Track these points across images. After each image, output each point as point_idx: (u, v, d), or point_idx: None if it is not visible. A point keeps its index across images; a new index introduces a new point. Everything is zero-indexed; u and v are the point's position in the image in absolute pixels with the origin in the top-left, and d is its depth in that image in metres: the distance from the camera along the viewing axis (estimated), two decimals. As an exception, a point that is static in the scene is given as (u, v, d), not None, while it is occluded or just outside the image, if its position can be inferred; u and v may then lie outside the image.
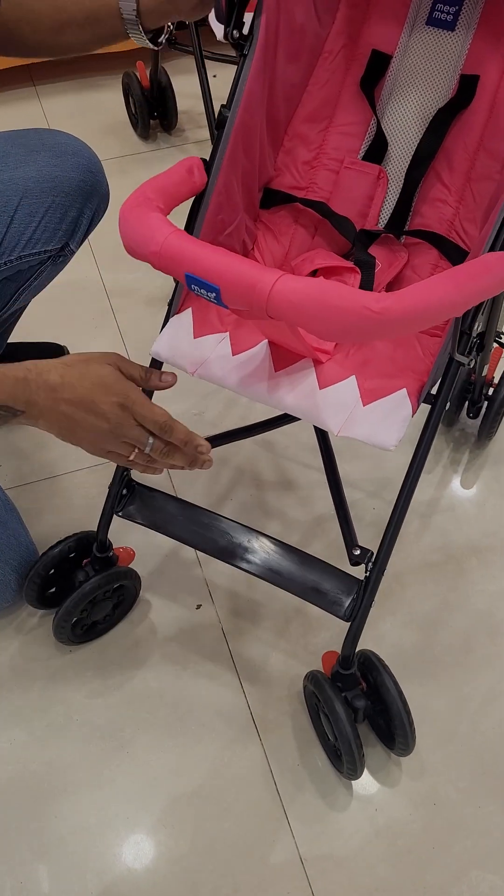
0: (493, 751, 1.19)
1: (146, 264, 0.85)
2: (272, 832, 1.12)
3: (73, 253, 1.26)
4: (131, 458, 0.94)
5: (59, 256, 1.25)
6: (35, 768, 1.17)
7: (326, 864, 1.10)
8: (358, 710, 1.09)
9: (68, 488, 1.48)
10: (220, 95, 1.71)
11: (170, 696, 1.24)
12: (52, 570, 1.24)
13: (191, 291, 0.82)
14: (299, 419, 1.03)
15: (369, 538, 1.04)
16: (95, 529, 1.21)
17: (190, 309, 1.10)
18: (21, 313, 1.44)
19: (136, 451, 0.93)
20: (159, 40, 1.08)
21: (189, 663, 1.27)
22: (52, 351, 1.63)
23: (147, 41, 1.05)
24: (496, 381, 1.46)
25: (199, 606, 1.33)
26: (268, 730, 1.21)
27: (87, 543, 1.24)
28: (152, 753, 1.18)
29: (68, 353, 1.62)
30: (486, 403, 1.48)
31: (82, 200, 1.21)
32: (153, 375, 0.97)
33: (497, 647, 1.30)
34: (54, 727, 1.21)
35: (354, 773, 1.10)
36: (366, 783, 1.16)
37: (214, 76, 1.85)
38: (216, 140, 1.04)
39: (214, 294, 0.79)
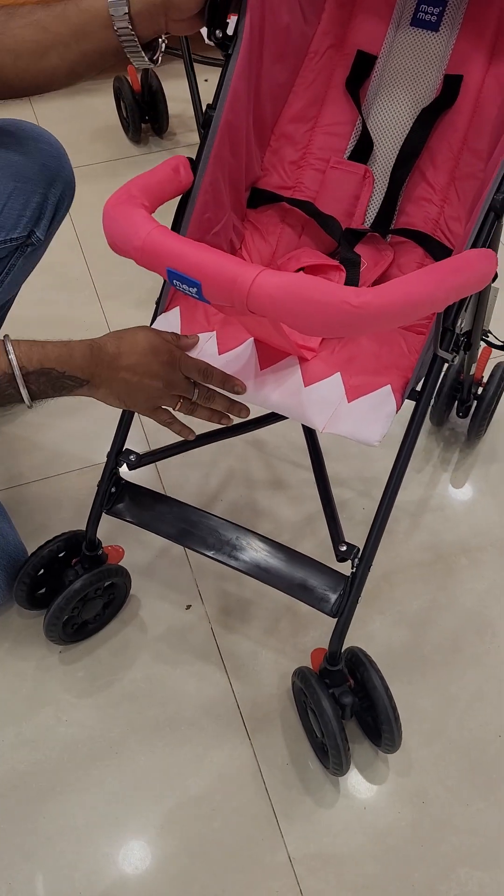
0: (481, 749, 1.19)
1: (137, 266, 0.86)
2: (261, 831, 1.12)
3: (40, 242, 1.24)
4: (177, 407, 1.02)
5: (27, 246, 1.23)
6: (23, 769, 1.16)
7: (315, 862, 1.09)
8: (345, 707, 1.09)
9: (58, 490, 1.48)
10: (209, 99, 1.72)
11: (159, 696, 1.24)
12: (42, 571, 1.24)
13: (176, 289, 0.82)
14: (286, 417, 1.03)
15: (359, 536, 1.04)
16: (78, 529, 1.21)
17: (177, 308, 1.10)
18: (5, 315, 1.44)
19: (181, 400, 1.02)
20: (155, 57, 1.04)
21: (178, 663, 1.27)
22: None
23: (140, 50, 1.01)
24: (485, 380, 1.47)
25: (188, 607, 1.33)
26: (257, 729, 1.21)
27: (77, 543, 1.24)
28: (141, 754, 1.18)
29: None
30: (475, 403, 1.49)
31: (45, 185, 1.20)
32: (181, 339, 1.05)
33: (485, 646, 1.30)
34: (43, 728, 1.20)
35: (340, 770, 1.10)
36: (355, 782, 1.16)
37: (206, 80, 1.86)
38: (202, 139, 1.04)
39: (196, 289, 0.79)
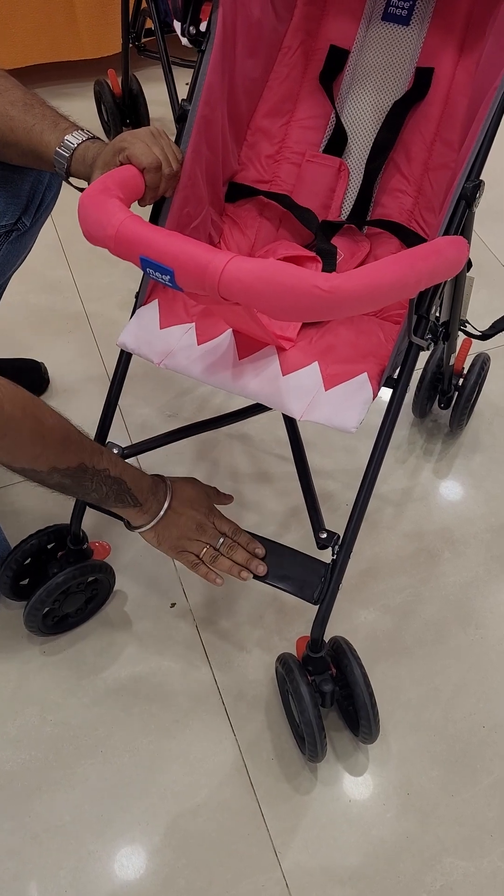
0: (465, 740, 1.19)
1: (120, 268, 0.86)
2: (246, 825, 1.12)
3: (26, 227, 1.24)
4: (202, 553, 1.12)
5: (13, 232, 1.23)
6: (9, 768, 1.16)
7: (301, 855, 1.09)
8: (325, 694, 1.09)
9: (40, 491, 1.47)
10: (189, 101, 1.72)
11: (143, 693, 1.23)
12: (28, 560, 1.24)
13: (152, 279, 0.82)
14: (268, 409, 1.03)
15: (343, 529, 1.04)
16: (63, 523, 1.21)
17: (156, 300, 1.10)
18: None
19: (207, 548, 1.12)
20: None
21: (163, 659, 1.27)
22: (30, 368, 1.63)
23: (79, 189, 1.04)
24: (465, 371, 1.47)
25: (173, 605, 1.33)
26: (242, 724, 1.20)
27: (65, 536, 1.23)
28: (126, 751, 1.18)
29: (45, 369, 1.63)
30: (456, 394, 1.49)
31: (34, 174, 1.20)
32: (220, 496, 1.20)
33: (468, 637, 1.30)
34: (28, 727, 1.20)
35: (316, 756, 1.10)
36: (339, 775, 1.16)
37: (186, 84, 1.86)
38: (178, 134, 1.05)
39: (169, 276, 0.79)
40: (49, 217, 1.30)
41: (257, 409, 1.26)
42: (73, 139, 1.02)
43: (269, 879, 1.07)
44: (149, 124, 2.22)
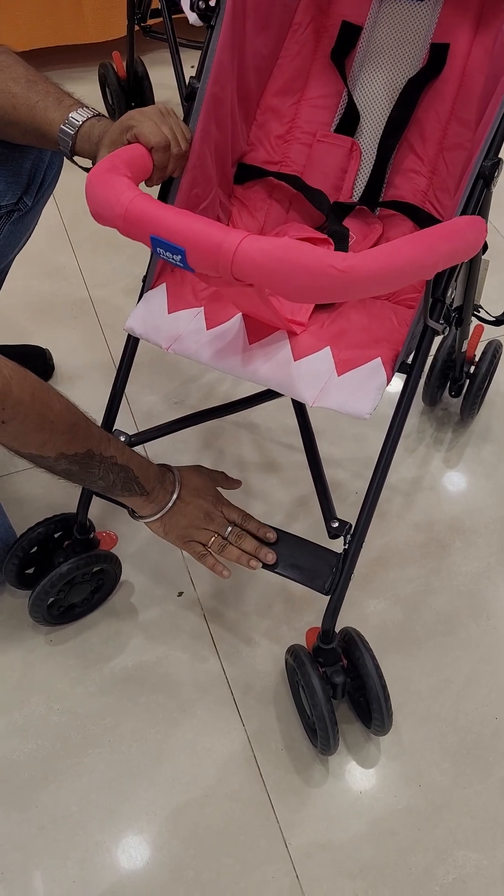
0: (476, 731, 1.18)
1: (126, 253, 0.84)
2: (255, 817, 1.10)
3: (27, 207, 1.22)
4: (210, 542, 1.10)
5: (14, 212, 1.20)
6: (16, 758, 1.15)
7: (311, 847, 1.08)
8: (336, 686, 1.07)
9: (44, 478, 1.45)
10: (197, 84, 1.70)
11: (151, 683, 1.22)
12: (35, 549, 1.22)
13: (161, 259, 0.80)
14: (278, 396, 1.01)
15: (353, 519, 1.03)
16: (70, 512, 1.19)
17: (164, 284, 1.08)
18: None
19: (215, 537, 1.10)
20: None
21: (171, 649, 1.25)
22: (35, 355, 1.61)
23: (84, 168, 1.03)
24: (477, 358, 1.45)
25: (180, 594, 1.31)
26: (251, 715, 1.19)
27: (71, 526, 1.21)
28: (134, 741, 1.16)
29: (50, 355, 1.61)
30: (467, 382, 1.47)
31: (36, 152, 1.18)
32: (228, 480, 1.18)
33: (479, 628, 1.28)
34: (34, 716, 1.18)
35: (328, 749, 1.08)
36: (350, 766, 1.14)
37: (192, 66, 1.83)
38: (186, 113, 1.02)
39: (180, 256, 0.77)
40: (52, 201, 1.28)
41: (266, 396, 1.24)
42: (77, 116, 0.99)
43: (279, 871, 1.06)
44: (154, 108, 2.20)
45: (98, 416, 1.13)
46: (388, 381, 0.96)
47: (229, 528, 1.10)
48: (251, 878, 1.05)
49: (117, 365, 1.15)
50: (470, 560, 1.35)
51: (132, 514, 1.11)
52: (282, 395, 1.01)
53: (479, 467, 1.49)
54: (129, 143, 0.94)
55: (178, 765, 1.15)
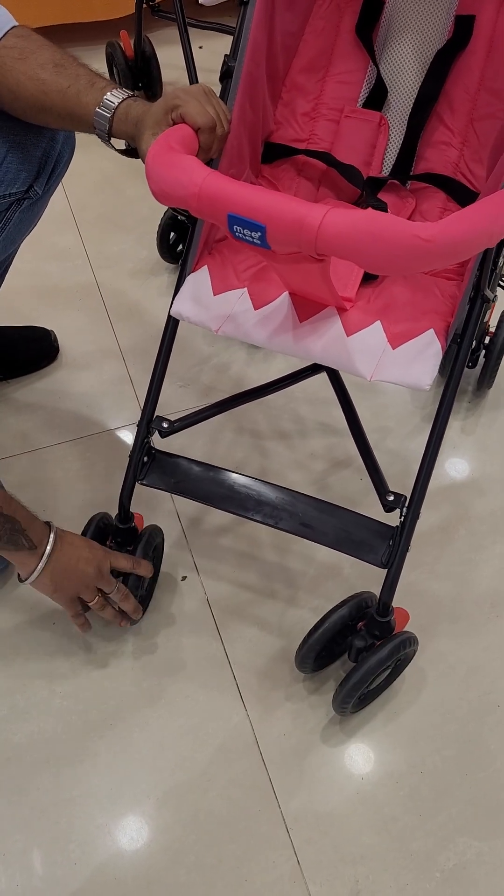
0: (479, 719, 1.15)
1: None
2: (258, 802, 1.08)
3: (38, 195, 1.18)
4: (94, 601, 1.11)
5: (24, 200, 1.17)
6: (17, 740, 1.12)
7: (312, 833, 1.06)
8: (351, 649, 1.09)
9: (49, 461, 1.44)
10: (205, 66, 1.67)
11: (153, 667, 1.18)
12: None
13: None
14: (319, 372, 0.99)
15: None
16: (97, 512, 1.18)
17: (206, 266, 1.05)
18: (4, 276, 1.39)
19: (99, 595, 1.11)
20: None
21: (174, 633, 1.22)
22: (39, 337, 1.57)
23: (117, 150, 1.03)
24: (492, 329, 1.42)
25: (184, 578, 1.29)
26: (254, 700, 1.16)
27: (101, 528, 1.19)
28: (136, 726, 1.13)
29: (55, 337, 1.58)
30: (483, 352, 1.44)
31: (47, 140, 1.14)
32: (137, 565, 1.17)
33: (484, 616, 1.25)
34: (36, 699, 1.15)
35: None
36: (352, 753, 1.12)
37: (200, 47, 1.81)
38: (222, 92, 0.99)
39: (259, 234, 0.74)
40: (62, 176, 1.27)
41: (309, 371, 1.24)
42: (113, 98, 0.96)
43: (280, 857, 1.04)
44: (161, 88, 2.18)
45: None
46: (443, 350, 0.94)
47: (117, 588, 1.12)
48: (252, 864, 1.03)
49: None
50: (474, 548, 1.32)
51: (19, 578, 1.08)
52: (317, 372, 0.99)
53: (494, 434, 1.48)
54: (174, 122, 0.90)
55: (180, 750, 1.12)
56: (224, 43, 1.03)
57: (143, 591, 1.22)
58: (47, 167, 1.16)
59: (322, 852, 1.05)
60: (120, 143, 1.00)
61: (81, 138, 1.11)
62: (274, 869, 1.03)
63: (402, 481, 1.18)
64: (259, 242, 0.75)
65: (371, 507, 1.12)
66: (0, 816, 1.07)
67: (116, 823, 1.07)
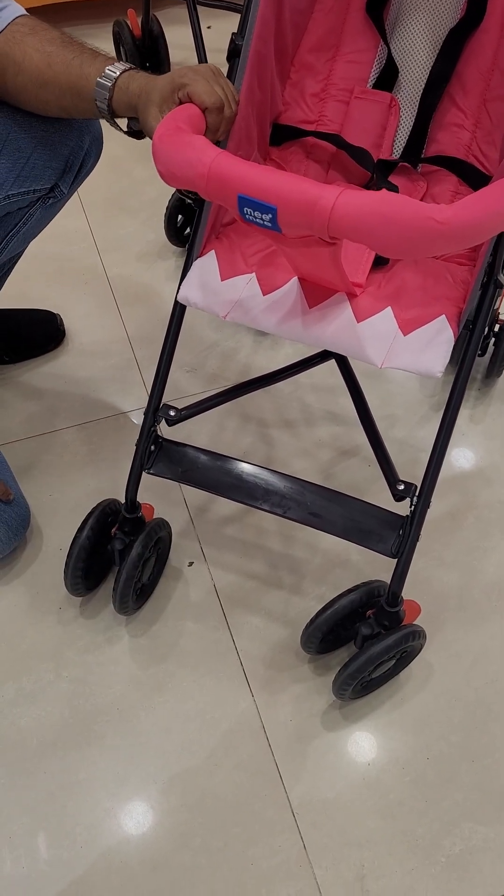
0: (485, 706, 1.14)
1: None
2: (263, 786, 1.08)
3: (63, 195, 1.18)
4: None
5: (49, 198, 1.17)
6: (24, 724, 1.12)
7: (318, 817, 1.06)
8: (358, 635, 1.08)
9: (56, 445, 1.44)
10: (213, 47, 1.65)
11: (160, 652, 1.18)
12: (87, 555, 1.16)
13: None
14: (328, 360, 0.98)
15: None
16: (102, 500, 1.17)
17: (213, 251, 1.03)
18: (14, 265, 1.40)
19: None
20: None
21: (180, 618, 1.21)
22: (45, 320, 1.56)
23: (118, 126, 1.03)
24: (502, 316, 1.40)
25: (191, 564, 1.28)
26: (260, 686, 1.15)
27: (108, 514, 1.17)
28: (142, 709, 1.13)
29: (61, 320, 1.57)
30: (493, 339, 1.43)
31: (75, 138, 1.14)
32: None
33: (491, 604, 1.24)
34: (43, 683, 1.15)
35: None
36: (358, 738, 1.12)
37: (209, 27, 1.79)
38: (230, 71, 0.97)
39: (270, 215, 0.72)
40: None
41: (318, 359, 1.23)
42: (114, 69, 0.96)
43: (286, 840, 1.04)
44: (169, 68, 2.17)
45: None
46: (455, 337, 0.92)
47: None
48: (258, 847, 1.03)
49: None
50: (481, 536, 1.32)
51: None
52: (326, 359, 0.98)
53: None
54: (181, 101, 0.89)
55: (186, 734, 1.12)
56: (233, 23, 1.02)
57: (146, 581, 1.22)
58: (73, 165, 1.17)
59: (328, 836, 1.05)
60: (124, 124, 0.99)
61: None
62: (280, 853, 1.04)
63: (410, 470, 1.17)
64: (270, 225, 0.74)
65: (378, 496, 1.12)
66: (6, 799, 1.07)
67: (123, 807, 1.07)
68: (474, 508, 1.36)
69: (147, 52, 2.13)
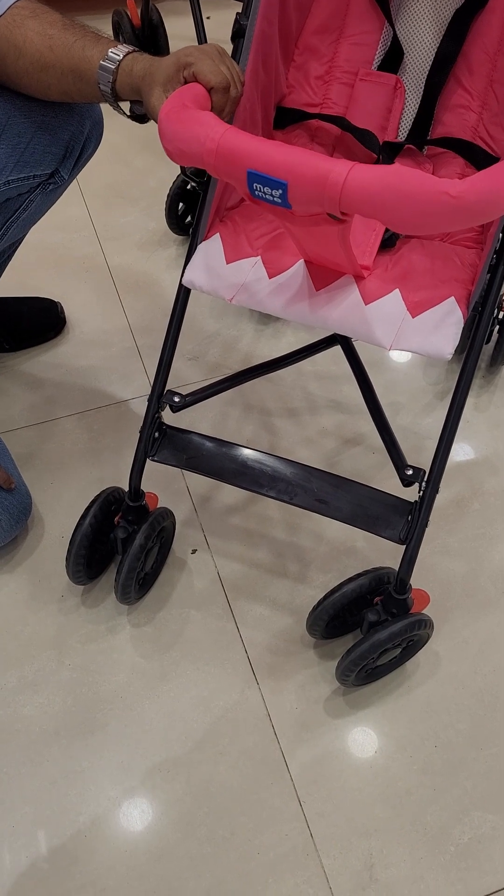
0: (493, 693, 1.13)
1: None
2: (270, 775, 1.07)
3: (63, 181, 1.17)
4: None
5: (49, 184, 1.16)
6: (27, 712, 1.11)
7: (325, 806, 1.05)
8: (364, 621, 1.07)
9: (58, 434, 1.42)
10: (213, 37, 1.63)
11: (164, 641, 1.17)
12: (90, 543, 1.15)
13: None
14: (335, 345, 0.97)
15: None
16: (105, 488, 1.15)
17: (218, 234, 1.01)
18: (13, 252, 1.38)
19: None
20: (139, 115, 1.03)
21: (184, 606, 1.20)
22: (46, 308, 1.54)
23: (121, 110, 1.02)
24: None
25: (194, 551, 1.27)
26: (266, 674, 1.14)
27: (111, 503, 1.15)
28: (146, 697, 1.12)
29: (62, 308, 1.56)
30: (497, 328, 1.41)
31: (75, 123, 1.13)
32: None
33: (497, 591, 1.23)
34: (46, 671, 1.14)
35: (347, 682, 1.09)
36: (365, 726, 1.11)
37: (208, 17, 1.78)
38: (234, 52, 0.96)
39: (280, 191, 0.71)
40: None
41: (325, 345, 1.21)
42: (117, 51, 0.95)
43: (293, 829, 1.03)
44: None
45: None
46: (465, 319, 0.91)
47: None
48: (265, 837, 1.02)
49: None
50: (485, 523, 1.31)
51: None
52: (331, 345, 0.97)
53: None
54: (186, 81, 0.88)
55: (191, 722, 1.10)
56: (233, 13, 1.01)
57: (149, 570, 1.21)
58: (74, 150, 1.15)
59: (335, 825, 1.04)
60: (127, 109, 0.98)
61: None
62: (286, 841, 1.03)
63: (415, 458, 1.15)
64: (280, 202, 0.72)
65: (383, 484, 1.10)
66: (10, 788, 1.06)
67: (127, 796, 1.06)
68: (479, 496, 1.35)
69: (146, 42, 2.12)
